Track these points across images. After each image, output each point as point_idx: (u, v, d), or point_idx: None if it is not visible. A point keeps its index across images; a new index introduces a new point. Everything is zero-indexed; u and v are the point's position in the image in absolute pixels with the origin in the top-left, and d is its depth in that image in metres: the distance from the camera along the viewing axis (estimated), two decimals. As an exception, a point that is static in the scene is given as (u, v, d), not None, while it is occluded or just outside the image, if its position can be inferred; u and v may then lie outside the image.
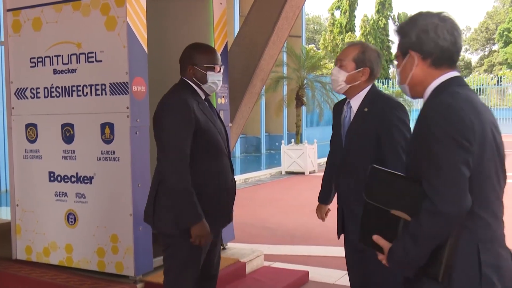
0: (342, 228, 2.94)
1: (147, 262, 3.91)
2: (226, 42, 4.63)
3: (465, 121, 1.68)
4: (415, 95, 1.92)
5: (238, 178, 11.86)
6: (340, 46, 43.07)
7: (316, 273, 4.80)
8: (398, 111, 2.74)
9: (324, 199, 3.24)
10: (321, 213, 3.26)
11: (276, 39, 4.78)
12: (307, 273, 4.66)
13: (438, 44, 1.80)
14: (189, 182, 2.68)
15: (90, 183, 3.97)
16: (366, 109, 2.78)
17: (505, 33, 53.30)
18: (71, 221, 4.08)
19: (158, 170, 2.86)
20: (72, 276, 4.00)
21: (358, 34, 47.06)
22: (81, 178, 4.02)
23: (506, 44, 52.49)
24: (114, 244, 3.87)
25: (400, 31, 1.91)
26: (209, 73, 2.85)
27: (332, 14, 46.39)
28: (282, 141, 13.57)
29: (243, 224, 6.74)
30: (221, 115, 3.77)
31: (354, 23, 46.05)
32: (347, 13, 45.64)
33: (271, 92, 14.37)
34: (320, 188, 3.25)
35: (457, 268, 1.72)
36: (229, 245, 4.74)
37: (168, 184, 2.73)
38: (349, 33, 45.11)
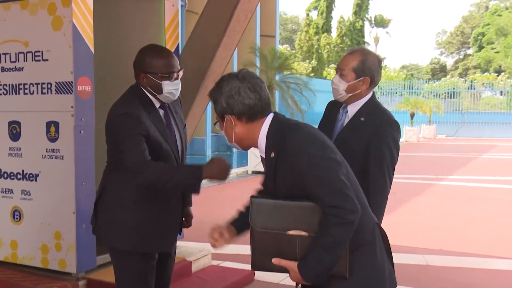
0: None
1: (90, 259, 3.96)
2: (178, 44, 4.70)
3: (326, 142, 2.00)
4: (246, 148, 2.13)
5: (204, 176, 11.89)
6: (315, 46, 43.37)
7: (263, 273, 4.89)
8: (394, 128, 2.70)
9: None
10: None
11: (228, 41, 4.86)
12: (252, 272, 4.76)
13: (245, 104, 2.01)
14: (163, 171, 2.47)
15: (36, 180, 4.01)
16: (362, 119, 2.72)
17: (480, 37, 54.30)
18: (17, 218, 4.11)
19: (104, 176, 2.77)
20: (15, 273, 4.03)
21: (334, 35, 47.40)
22: (27, 176, 4.05)
23: (480, 48, 53.50)
24: (58, 241, 3.91)
25: (211, 98, 2.09)
26: (164, 83, 2.60)
27: (308, 14, 46.67)
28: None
29: (199, 223, 6.76)
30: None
31: (331, 24, 46.40)
32: (324, 14, 46.00)
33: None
34: None
35: (356, 262, 1.98)
36: (178, 244, 4.79)
37: (155, 187, 2.53)
38: (325, 34, 45.43)
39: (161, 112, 2.72)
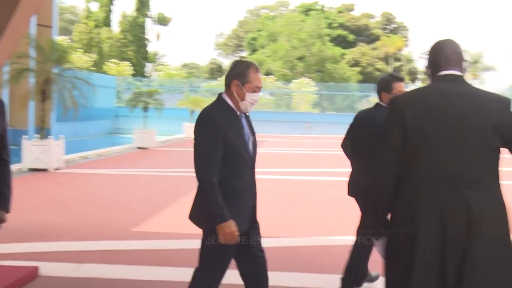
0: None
1: None
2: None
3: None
4: None
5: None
6: (96, 40, 42.05)
7: (48, 268, 4.81)
8: None
9: None
10: None
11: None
12: (36, 268, 4.64)
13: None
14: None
15: None
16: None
17: (252, 41, 58.77)
18: None
19: None
20: None
21: (116, 29, 46.62)
22: None
23: (253, 51, 57.89)
24: None
25: None
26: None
27: (87, 6, 45.01)
28: (24, 136, 12.78)
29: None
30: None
31: (111, 18, 45.48)
32: (106, 8, 44.85)
33: (17, 84, 13.43)
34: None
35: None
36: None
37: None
38: (106, 28, 44.39)
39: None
